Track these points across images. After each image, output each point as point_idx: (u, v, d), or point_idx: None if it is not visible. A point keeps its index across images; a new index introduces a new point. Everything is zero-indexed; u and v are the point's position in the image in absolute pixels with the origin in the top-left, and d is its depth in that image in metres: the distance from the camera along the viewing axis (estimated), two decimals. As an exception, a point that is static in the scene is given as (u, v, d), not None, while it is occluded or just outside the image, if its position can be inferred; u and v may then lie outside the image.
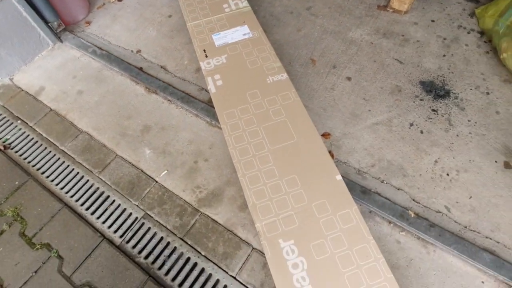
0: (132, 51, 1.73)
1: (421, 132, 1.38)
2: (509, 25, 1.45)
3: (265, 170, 1.12)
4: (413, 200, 1.22)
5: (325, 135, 1.39)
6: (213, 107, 1.32)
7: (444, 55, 1.60)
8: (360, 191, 1.21)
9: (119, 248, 1.18)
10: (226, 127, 1.23)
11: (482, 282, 1.06)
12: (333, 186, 1.08)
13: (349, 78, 1.56)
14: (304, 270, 0.96)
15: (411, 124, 1.41)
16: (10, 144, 1.45)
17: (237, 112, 1.26)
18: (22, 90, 1.63)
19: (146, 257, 1.15)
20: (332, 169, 1.11)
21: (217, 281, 1.10)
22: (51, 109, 1.54)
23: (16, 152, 1.43)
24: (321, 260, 0.97)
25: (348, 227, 1.01)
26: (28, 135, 1.47)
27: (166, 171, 1.32)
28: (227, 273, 1.11)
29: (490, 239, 1.13)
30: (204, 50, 1.45)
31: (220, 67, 1.39)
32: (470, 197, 1.22)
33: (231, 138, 1.20)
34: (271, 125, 1.21)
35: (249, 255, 1.13)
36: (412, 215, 1.17)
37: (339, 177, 1.09)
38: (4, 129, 1.50)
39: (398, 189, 1.25)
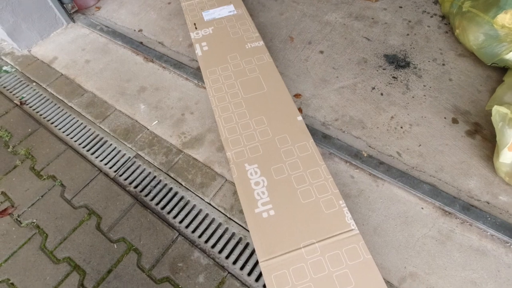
0: (134, 30, 1.98)
1: (381, 94, 1.58)
2: (460, 5, 1.66)
3: (238, 112, 1.32)
4: (369, 146, 1.40)
5: (296, 96, 1.59)
6: (201, 72, 1.54)
7: (407, 34, 1.81)
8: (322, 136, 1.40)
9: (113, 179, 1.37)
10: (208, 81, 1.44)
11: (422, 208, 1.22)
12: (294, 125, 1.27)
13: (321, 52, 1.77)
14: (264, 186, 1.13)
15: (373, 88, 1.60)
16: (25, 101, 1.68)
17: (218, 70, 1.47)
18: (38, 59, 1.88)
19: (135, 187, 1.34)
20: (295, 112, 1.30)
21: (194, 206, 1.28)
22: (62, 74, 1.78)
23: (31, 107, 1.66)
24: (279, 179, 1.15)
25: (304, 155, 1.19)
26: (41, 94, 1.70)
27: (157, 121, 1.53)
28: (202, 199, 1.29)
29: (433, 177, 1.30)
30: (195, 24, 1.69)
31: (207, 36, 1.62)
32: (420, 145, 1.40)
33: (211, 90, 1.41)
34: (246, 80, 1.42)
35: (222, 185, 1.31)
36: (365, 155, 1.34)
37: (300, 118, 1.29)
38: (21, 90, 1.74)
39: (357, 138, 1.43)
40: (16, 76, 1.81)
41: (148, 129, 1.51)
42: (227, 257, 1.15)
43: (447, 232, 1.17)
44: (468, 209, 1.19)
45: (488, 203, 1.22)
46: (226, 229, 1.21)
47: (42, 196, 1.34)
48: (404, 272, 1.10)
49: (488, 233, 1.15)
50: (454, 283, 1.07)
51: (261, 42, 1.57)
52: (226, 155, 1.25)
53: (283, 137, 1.24)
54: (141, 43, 1.88)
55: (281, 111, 1.31)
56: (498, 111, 1.21)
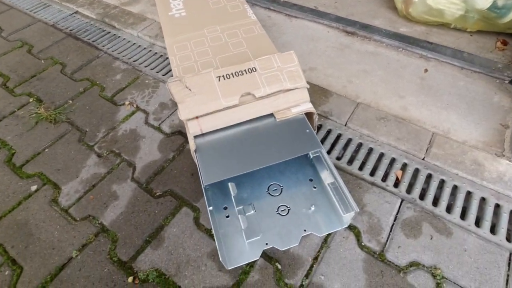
0: None
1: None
2: None
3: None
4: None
5: None
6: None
7: None
8: (246, -9, 1.54)
9: (52, 26, 1.47)
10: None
11: (328, 31, 1.34)
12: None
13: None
14: (180, 2, 1.25)
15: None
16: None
17: None
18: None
19: (71, 30, 1.45)
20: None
21: (124, 38, 1.38)
22: None
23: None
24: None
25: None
26: None
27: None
28: (132, 34, 1.40)
29: (342, 18, 1.43)
30: None
31: None
32: (336, 2, 1.55)
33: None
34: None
35: (151, 24, 1.42)
36: (282, 0, 1.48)
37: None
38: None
39: (280, -2, 1.58)
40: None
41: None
42: (141, 64, 1.24)
43: (347, 44, 1.29)
44: (367, 27, 1.32)
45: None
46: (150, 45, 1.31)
47: None
48: (305, 67, 1.20)
49: (384, 44, 1.28)
50: (348, 72, 1.18)
51: None
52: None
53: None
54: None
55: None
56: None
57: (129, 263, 0.77)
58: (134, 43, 1.35)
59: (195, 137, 0.84)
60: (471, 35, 1.31)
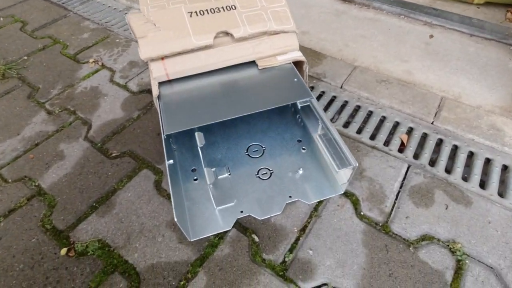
0: None
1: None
2: None
3: None
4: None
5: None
6: None
7: None
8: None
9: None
10: None
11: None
12: None
13: None
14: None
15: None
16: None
17: None
18: None
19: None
20: None
21: None
22: None
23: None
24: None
25: None
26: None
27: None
28: (107, -2, 1.27)
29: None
30: None
31: None
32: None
33: None
34: None
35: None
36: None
37: None
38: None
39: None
40: None
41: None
42: (113, 25, 1.10)
43: (344, 10, 1.17)
44: (365, -6, 1.21)
45: None
46: None
47: None
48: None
49: (384, 11, 1.16)
50: (344, 37, 1.05)
51: None
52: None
53: None
54: None
55: None
56: None
57: (65, 232, 0.60)
58: (109, 6, 1.22)
59: (161, 84, 0.70)
60: (478, 7, 1.21)
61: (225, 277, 0.54)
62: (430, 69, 0.93)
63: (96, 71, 0.94)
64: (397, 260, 0.55)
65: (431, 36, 1.04)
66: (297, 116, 0.78)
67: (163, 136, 0.60)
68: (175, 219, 0.49)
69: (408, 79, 0.91)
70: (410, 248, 0.57)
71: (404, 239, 0.58)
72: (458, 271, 0.54)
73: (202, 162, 0.59)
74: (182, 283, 0.54)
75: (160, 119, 0.63)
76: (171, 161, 0.60)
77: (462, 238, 0.58)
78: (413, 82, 0.90)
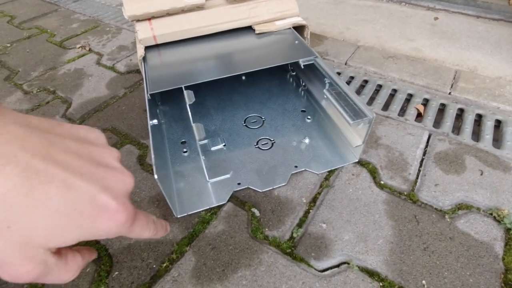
0: None
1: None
2: None
3: None
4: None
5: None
6: None
7: None
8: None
9: None
10: None
11: (320, -8, 1.20)
12: None
13: None
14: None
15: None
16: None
17: None
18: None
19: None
20: None
21: None
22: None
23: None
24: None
25: None
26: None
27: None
28: (101, -4, 1.24)
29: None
30: None
31: None
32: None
33: None
34: None
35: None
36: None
37: None
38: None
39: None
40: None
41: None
42: (105, 17, 1.06)
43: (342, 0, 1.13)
44: (364, -15, 1.18)
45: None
46: None
47: None
48: (295, 18, 1.03)
49: (384, 0, 1.13)
50: (345, 21, 1.00)
51: None
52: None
53: None
54: None
55: None
56: None
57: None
58: (103, 3, 1.19)
59: (147, 50, 0.63)
60: (479, -4, 1.18)
61: (218, 257, 0.43)
62: (440, 46, 0.88)
63: (83, 55, 0.87)
64: (431, 232, 0.45)
65: (436, 18, 1.00)
66: (299, 89, 0.70)
67: (146, 97, 0.52)
68: (155, 176, 0.39)
69: (417, 55, 0.84)
70: (446, 218, 0.46)
71: (436, 208, 0.48)
72: (510, 242, 0.43)
73: (191, 118, 0.51)
74: (164, 265, 0.43)
75: (144, 81, 0.56)
76: (155, 121, 0.52)
77: (507, 205, 0.47)
78: (423, 57, 0.84)
